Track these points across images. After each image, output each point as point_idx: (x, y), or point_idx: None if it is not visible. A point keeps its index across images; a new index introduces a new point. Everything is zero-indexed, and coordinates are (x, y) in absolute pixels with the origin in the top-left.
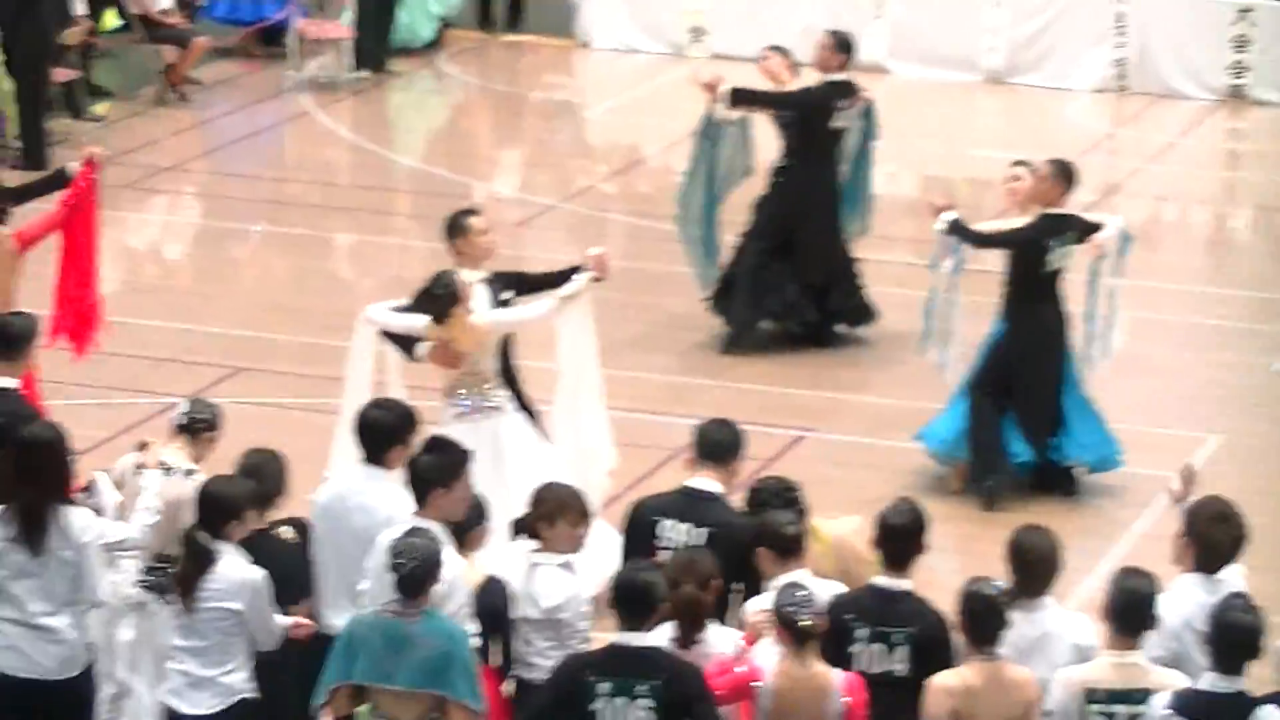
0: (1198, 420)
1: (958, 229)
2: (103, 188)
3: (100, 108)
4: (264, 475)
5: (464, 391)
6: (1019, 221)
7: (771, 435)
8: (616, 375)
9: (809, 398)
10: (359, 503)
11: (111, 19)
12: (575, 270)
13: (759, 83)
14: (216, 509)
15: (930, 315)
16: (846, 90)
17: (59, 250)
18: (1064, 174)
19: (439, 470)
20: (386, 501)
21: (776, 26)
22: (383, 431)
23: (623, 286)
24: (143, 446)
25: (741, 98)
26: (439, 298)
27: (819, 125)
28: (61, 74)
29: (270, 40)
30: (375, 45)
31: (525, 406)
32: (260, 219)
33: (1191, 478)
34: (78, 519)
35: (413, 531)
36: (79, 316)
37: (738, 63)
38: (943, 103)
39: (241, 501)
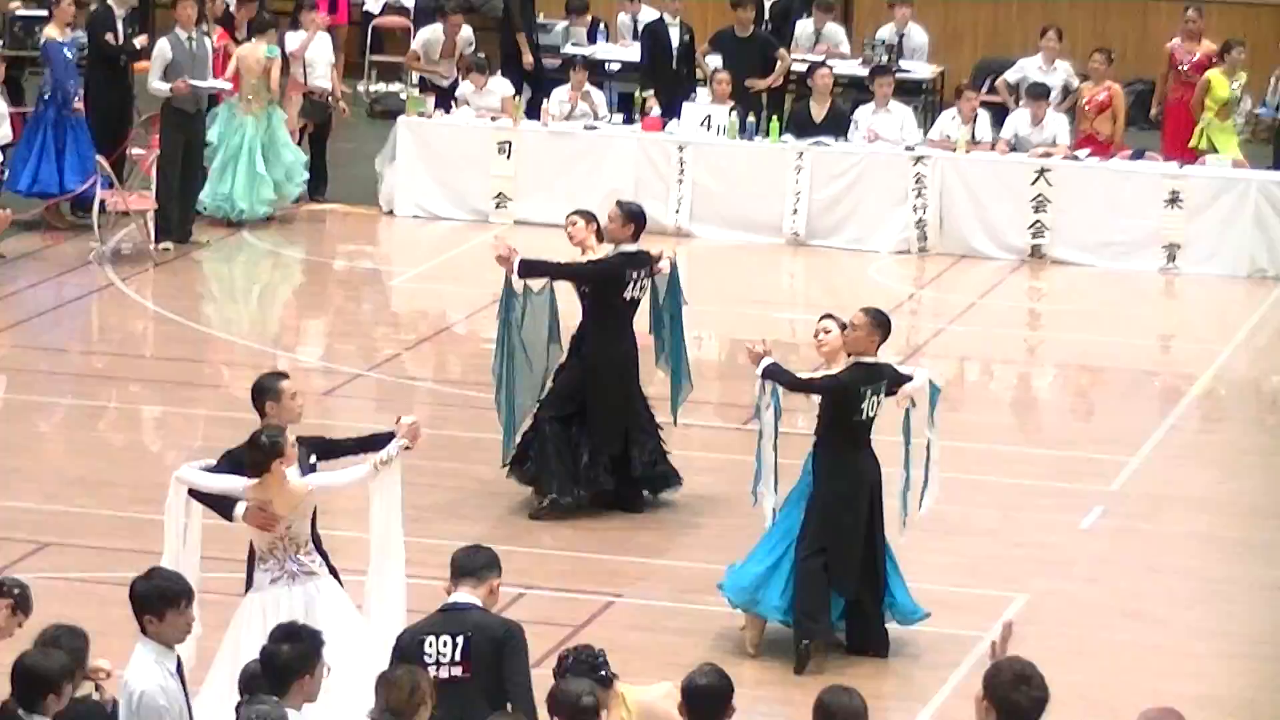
0: (1005, 580)
1: (773, 373)
2: None
3: None
4: (67, 650)
5: (279, 555)
6: (833, 370)
7: (579, 601)
8: (423, 542)
9: (617, 562)
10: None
11: None
12: (383, 436)
13: (565, 250)
14: (33, 683)
15: (759, 459)
16: (639, 260)
17: None
18: (879, 323)
19: (301, 659)
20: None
21: (580, 192)
22: (139, 601)
23: (430, 454)
24: None
25: (531, 269)
26: (262, 447)
27: (612, 295)
28: None
29: (74, 212)
30: (179, 215)
31: (334, 572)
32: (66, 393)
33: (1009, 635)
34: None
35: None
36: None
37: (541, 229)
38: (746, 265)
39: (59, 674)
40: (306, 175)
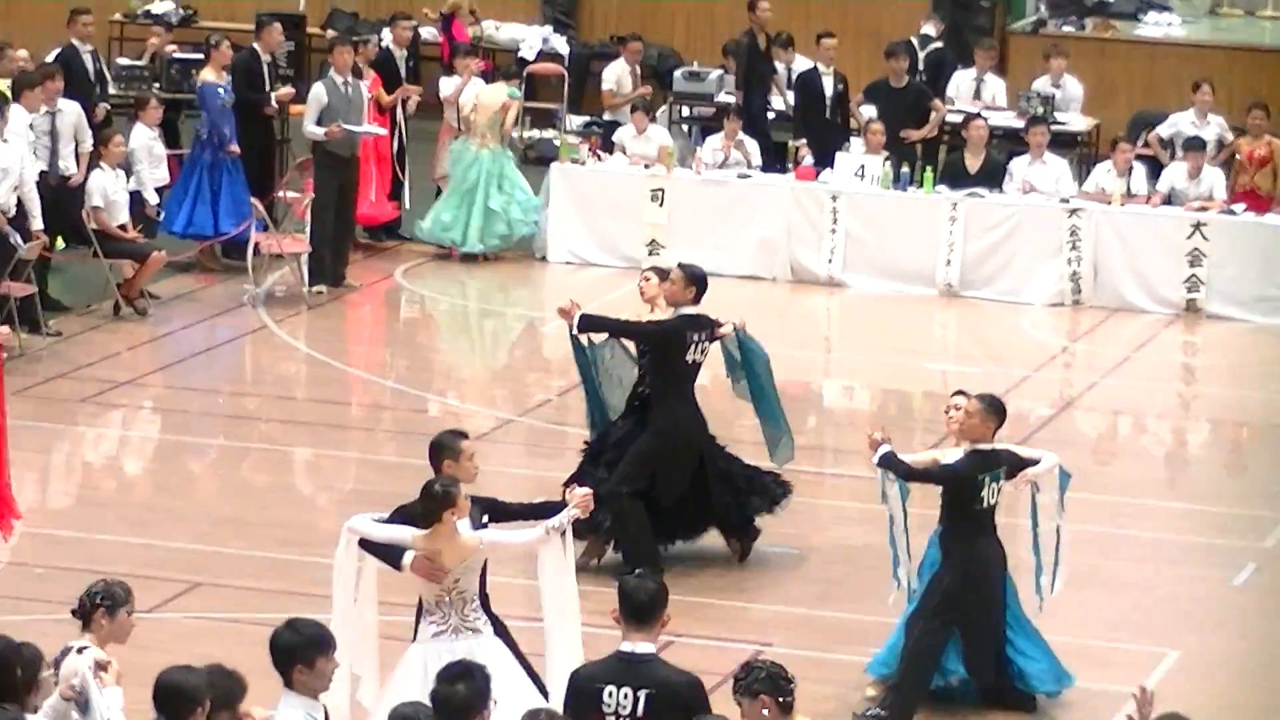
0: (1156, 635)
1: (890, 462)
2: (59, 402)
3: (56, 322)
4: (220, 691)
5: (445, 609)
6: (954, 454)
7: (728, 650)
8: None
9: (767, 612)
10: None
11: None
12: (554, 505)
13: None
14: (177, 697)
15: (893, 545)
16: (701, 324)
17: None
18: (994, 410)
19: (476, 696)
20: None
21: (732, 240)
22: (284, 652)
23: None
24: (82, 650)
25: (592, 324)
26: (435, 496)
27: (674, 358)
28: (17, 289)
29: (228, 254)
30: (332, 259)
31: (503, 633)
32: (218, 434)
33: (1147, 700)
34: None
35: None
36: None
37: None
38: (899, 316)
39: (203, 691)
40: (537, 216)
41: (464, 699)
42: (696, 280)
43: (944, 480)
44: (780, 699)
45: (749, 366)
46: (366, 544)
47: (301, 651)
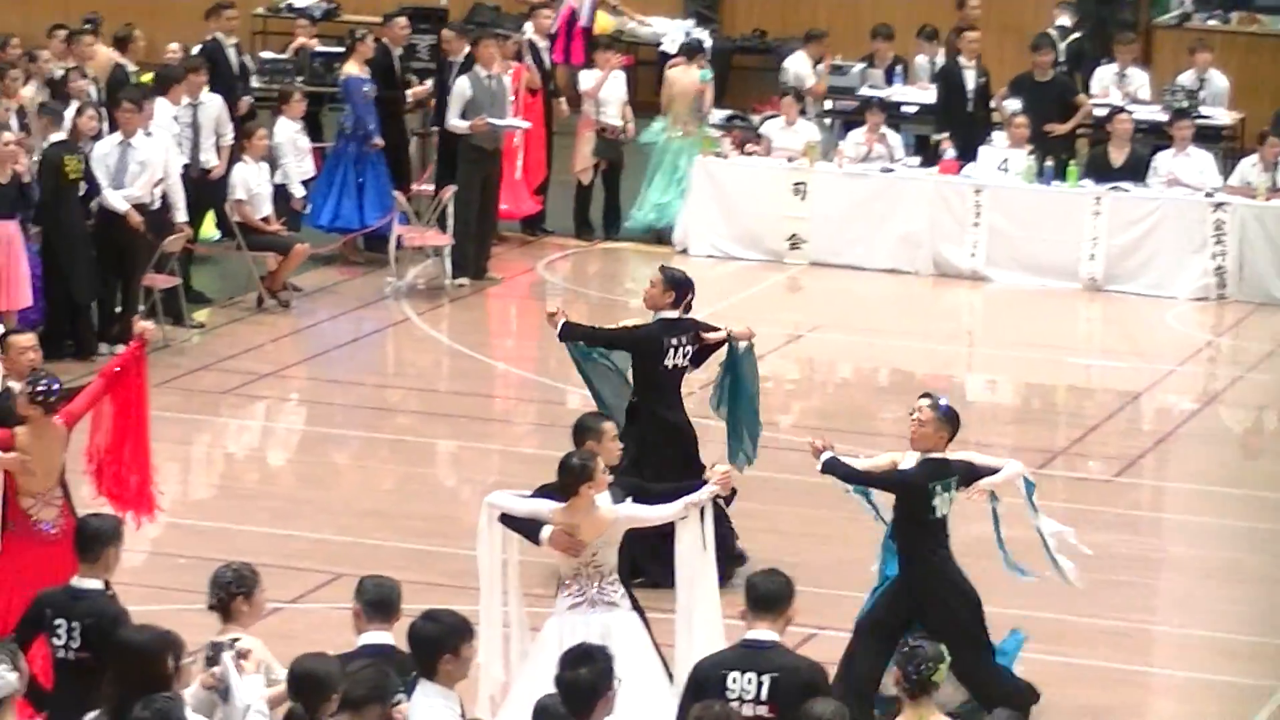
0: None
1: (833, 467)
2: (202, 394)
3: (200, 314)
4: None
5: (581, 582)
6: (912, 458)
7: None
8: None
9: None
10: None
11: (210, 227)
12: (696, 484)
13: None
14: (312, 684)
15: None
16: (681, 328)
17: (108, 424)
18: (948, 420)
19: (601, 677)
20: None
21: (874, 234)
22: (428, 643)
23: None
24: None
25: (570, 333)
26: (572, 470)
27: (651, 364)
28: (161, 281)
29: (371, 247)
30: (475, 251)
31: (638, 608)
32: (360, 425)
33: None
34: None
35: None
36: (126, 484)
37: (835, 270)
38: (1042, 310)
39: (336, 679)
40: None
41: (588, 683)
42: (676, 285)
43: (892, 485)
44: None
45: (741, 380)
46: (506, 519)
47: (446, 641)
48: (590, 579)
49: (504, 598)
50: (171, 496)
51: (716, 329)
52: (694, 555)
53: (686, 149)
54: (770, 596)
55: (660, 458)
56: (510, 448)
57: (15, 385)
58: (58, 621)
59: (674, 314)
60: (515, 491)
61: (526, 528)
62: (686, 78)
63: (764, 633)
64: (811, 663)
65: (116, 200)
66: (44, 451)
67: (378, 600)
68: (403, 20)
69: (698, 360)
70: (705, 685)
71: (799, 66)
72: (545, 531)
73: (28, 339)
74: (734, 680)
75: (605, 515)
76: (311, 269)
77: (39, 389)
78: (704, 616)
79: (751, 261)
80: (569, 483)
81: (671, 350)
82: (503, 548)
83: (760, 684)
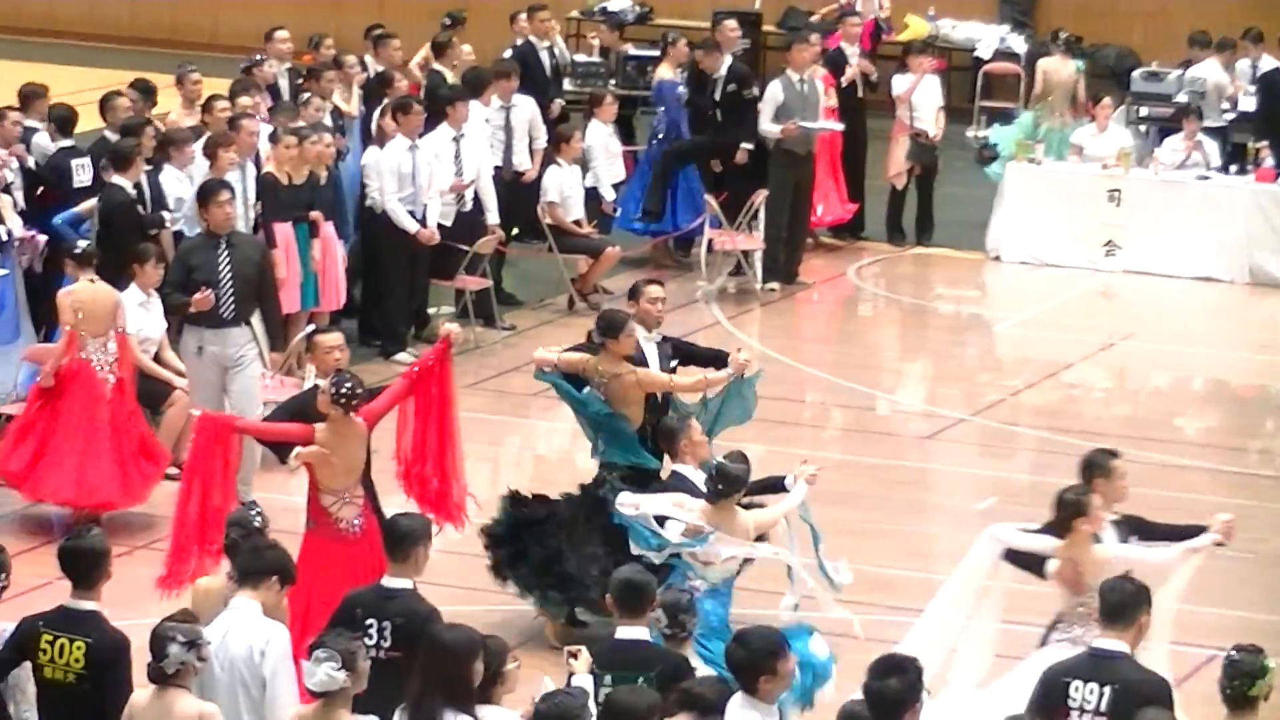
0: None
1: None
2: (512, 395)
3: (511, 316)
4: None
5: (1074, 623)
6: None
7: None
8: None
9: (1218, 617)
10: None
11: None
12: (1194, 529)
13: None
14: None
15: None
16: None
17: (411, 426)
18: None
19: (909, 689)
20: None
21: (1189, 243)
22: (748, 667)
23: (1030, 501)
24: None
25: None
26: (1064, 504)
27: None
28: (473, 283)
29: (681, 250)
30: (786, 256)
31: None
32: None
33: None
34: None
35: None
36: (428, 487)
37: (1149, 277)
38: None
39: (646, 712)
40: None
41: (896, 693)
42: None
43: None
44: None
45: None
46: (1010, 554)
47: (763, 664)
48: (1084, 620)
49: (967, 619)
50: (482, 497)
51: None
52: (1170, 597)
53: (1066, 136)
54: (1119, 607)
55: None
56: (817, 452)
57: (323, 383)
58: (368, 621)
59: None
60: (1019, 525)
61: (1029, 561)
62: (1065, 70)
63: (1113, 643)
64: (1156, 678)
65: (402, 215)
66: (344, 449)
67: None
68: (732, 23)
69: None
70: (1050, 692)
71: (1213, 74)
72: (1050, 565)
73: (334, 338)
74: (1076, 689)
75: (1104, 556)
76: (622, 272)
77: (341, 390)
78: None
79: (1065, 268)
80: (1061, 519)
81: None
82: (991, 573)
83: (1102, 695)
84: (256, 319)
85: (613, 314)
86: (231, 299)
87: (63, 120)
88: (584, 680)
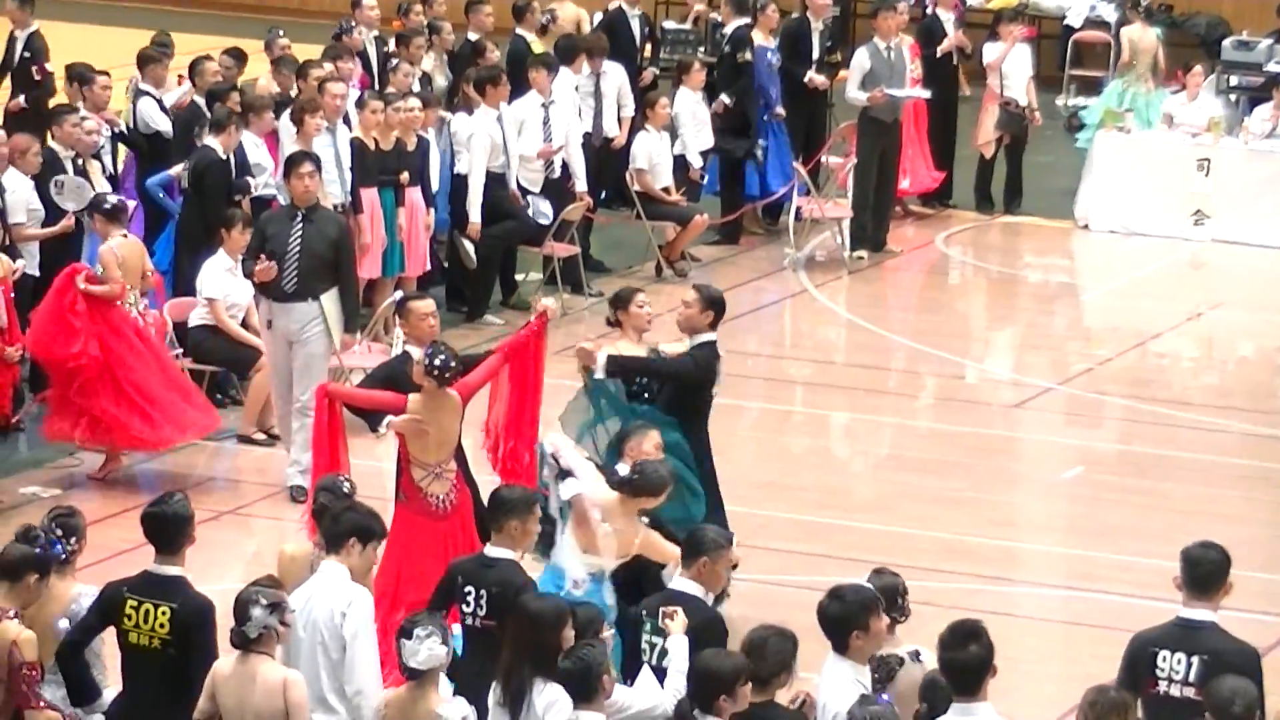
0: None
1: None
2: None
3: (599, 283)
4: (767, 653)
5: None
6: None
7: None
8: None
9: None
10: None
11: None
12: None
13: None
14: (705, 683)
15: None
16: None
17: (504, 400)
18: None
19: (989, 652)
20: None
21: (1277, 213)
22: (839, 621)
23: (1120, 470)
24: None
25: (617, 367)
26: None
27: (698, 394)
28: (561, 250)
29: (769, 218)
30: (874, 224)
31: None
32: (757, 396)
33: None
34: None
35: None
36: (520, 460)
37: (1239, 247)
38: None
39: (731, 676)
40: None
41: (979, 660)
42: (715, 304)
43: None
44: None
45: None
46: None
47: (856, 618)
48: None
49: None
50: None
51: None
52: None
53: (1153, 102)
54: (1206, 576)
55: (715, 482)
56: (905, 421)
57: (414, 350)
58: (467, 589)
59: (713, 335)
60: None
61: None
62: (1146, 37)
63: (1200, 612)
64: (1245, 647)
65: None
66: (437, 422)
67: None
68: None
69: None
70: (1137, 661)
71: None
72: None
73: (427, 305)
74: (1164, 659)
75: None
76: (710, 239)
77: (436, 362)
78: None
79: (1154, 238)
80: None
81: (719, 377)
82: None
83: (1190, 664)
84: (331, 297)
85: (621, 289)
86: (295, 273)
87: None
88: (680, 642)
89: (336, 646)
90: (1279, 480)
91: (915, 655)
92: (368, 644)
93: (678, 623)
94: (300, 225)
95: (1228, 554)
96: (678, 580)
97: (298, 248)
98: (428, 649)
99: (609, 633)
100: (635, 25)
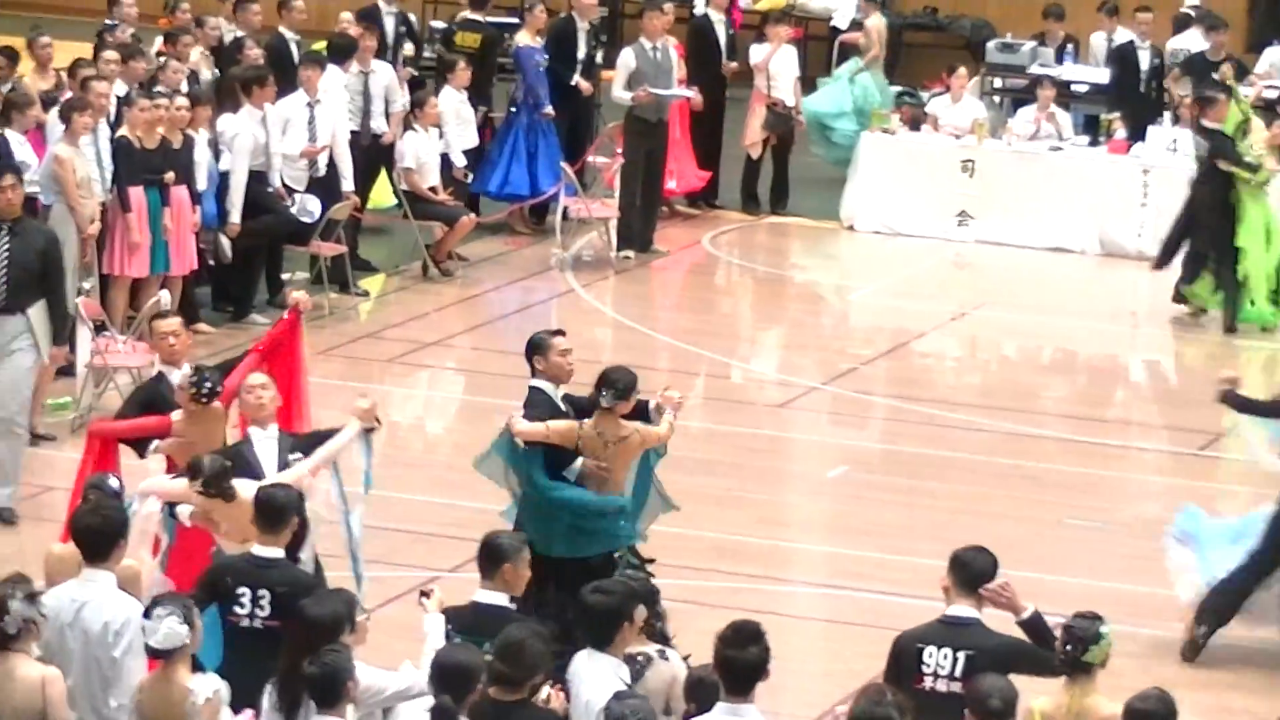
0: None
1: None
2: (366, 362)
3: (366, 282)
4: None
5: None
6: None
7: None
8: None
9: (1069, 585)
10: None
11: (386, 196)
12: None
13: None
14: (458, 675)
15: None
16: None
17: None
18: None
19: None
20: None
21: (1043, 212)
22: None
23: (888, 470)
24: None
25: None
26: None
27: None
28: (328, 249)
29: (536, 218)
30: (641, 224)
31: None
32: (522, 397)
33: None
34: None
35: None
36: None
37: (1002, 248)
38: None
39: (480, 669)
40: None
41: (758, 660)
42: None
43: None
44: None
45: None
46: None
47: (623, 609)
48: None
49: None
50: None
51: None
52: None
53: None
54: (970, 571)
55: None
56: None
57: (167, 370)
58: (240, 589)
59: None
60: None
61: None
62: (881, 20)
63: (964, 609)
64: (1009, 641)
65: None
66: (204, 434)
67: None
68: None
69: None
70: (902, 658)
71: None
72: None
73: (169, 324)
74: (930, 655)
75: None
76: (479, 238)
77: (204, 389)
78: None
79: (919, 238)
80: None
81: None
82: None
83: (955, 660)
84: (39, 309)
85: (622, 372)
86: (5, 287)
87: None
88: (435, 620)
89: (109, 663)
90: (1042, 478)
91: (662, 654)
92: (137, 661)
93: (433, 601)
94: (6, 238)
95: (995, 557)
96: (481, 593)
97: (5, 261)
98: (166, 628)
99: (362, 617)
100: (390, 24)
